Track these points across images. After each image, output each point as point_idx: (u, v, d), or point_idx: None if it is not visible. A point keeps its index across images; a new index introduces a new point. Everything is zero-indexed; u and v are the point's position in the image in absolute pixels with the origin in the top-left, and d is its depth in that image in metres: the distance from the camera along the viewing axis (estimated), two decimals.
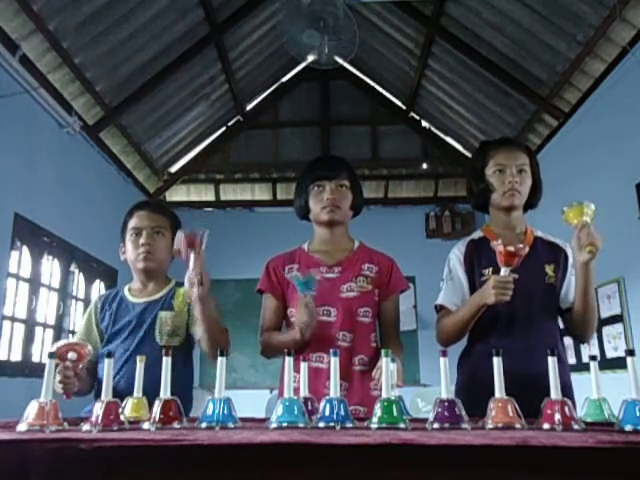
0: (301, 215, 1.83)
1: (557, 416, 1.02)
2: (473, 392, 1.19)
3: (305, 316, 1.53)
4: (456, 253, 1.75)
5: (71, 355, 1.19)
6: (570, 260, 1.72)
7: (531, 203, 1.77)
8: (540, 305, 1.66)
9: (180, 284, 1.83)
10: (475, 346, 1.69)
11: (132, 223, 1.79)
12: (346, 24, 3.42)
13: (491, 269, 1.65)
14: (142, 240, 1.74)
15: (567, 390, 1.60)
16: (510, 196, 1.68)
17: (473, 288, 1.70)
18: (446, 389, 1.05)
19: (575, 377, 1.71)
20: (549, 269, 1.68)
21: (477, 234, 1.80)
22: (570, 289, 1.69)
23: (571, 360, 4.18)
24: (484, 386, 1.12)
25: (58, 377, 1.39)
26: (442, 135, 6.62)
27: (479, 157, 1.78)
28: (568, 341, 1.86)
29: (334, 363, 1.10)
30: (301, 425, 1.03)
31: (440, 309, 1.75)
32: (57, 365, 1.27)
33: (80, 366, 1.28)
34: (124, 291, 1.83)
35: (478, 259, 1.71)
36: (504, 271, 1.48)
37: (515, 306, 1.60)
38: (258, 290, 1.80)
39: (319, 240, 1.81)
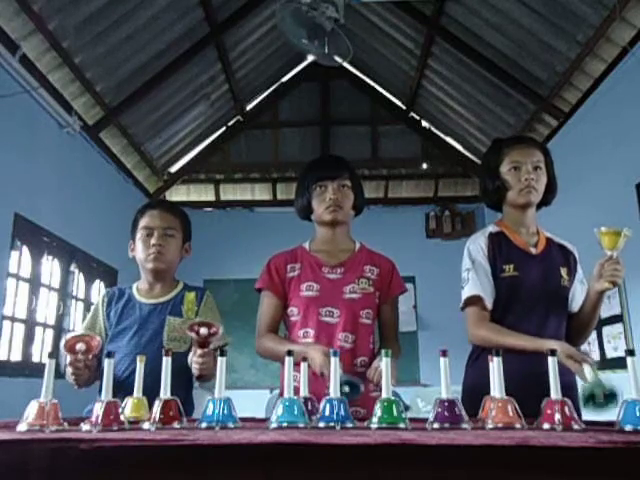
0: (303, 215, 1.83)
1: (557, 416, 1.02)
2: (481, 394, 1.19)
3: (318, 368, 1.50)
4: (479, 244, 1.70)
5: (79, 346, 1.20)
6: (578, 265, 1.73)
7: (546, 201, 1.76)
8: (555, 307, 1.65)
9: (188, 287, 1.83)
10: (485, 348, 1.67)
11: (143, 222, 1.78)
12: (337, 35, 3.42)
13: (512, 266, 1.64)
14: (153, 240, 1.74)
15: (572, 391, 1.59)
16: (527, 193, 1.67)
17: (493, 281, 1.67)
18: (446, 389, 1.05)
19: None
20: (564, 272, 1.68)
21: (493, 228, 1.76)
22: (575, 297, 1.69)
23: None
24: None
25: (70, 369, 1.43)
26: (442, 135, 6.62)
27: (493, 154, 1.76)
28: None
29: (334, 363, 1.10)
30: (301, 425, 1.03)
31: (468, 303, 1.65)
32: (67, 357, 1.30)
33: (90, 357, 1.29)
34: (132, 290, 1.82)
35: (500, 253, 1.68)
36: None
37: (531, 307, 1.60)
38: (257, 288, 1.79)
39: (321, 240, 1.81)
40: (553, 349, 1.08)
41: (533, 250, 1.70)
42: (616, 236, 1.43)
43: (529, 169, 1.67)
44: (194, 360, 1.49)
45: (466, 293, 1.65)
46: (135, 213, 1.83)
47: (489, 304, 1.63)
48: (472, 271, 1.65)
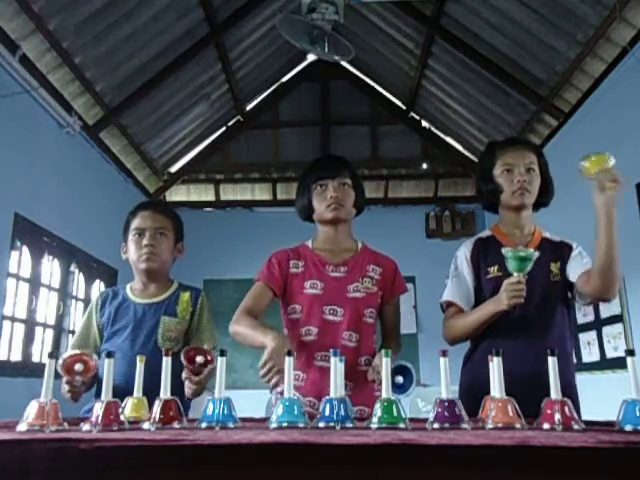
0: (304, 216, 1.83)
1: (557, 416, 1.02)
2: (477, 393, 1.19)
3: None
4: (463, 251, 1.75)
5: (78, 367, 1.19)
6: (575, 251, 1.71)
7: (543, 202, 1.77)
8: (544, 304, 1.65)
9: (183, 287, 1.84)
10: (479, 346, 1.68)
11: (135, 223, 1.78)
12: (337, 37, 3.46)
13: (496, 267, 1.65)
14: (145, 241, 1.74)
15: (570, 390, 1.59)
16: (520, 195, 1.68)
17: (479, 286, 1.70)
18: (446, 389, 1.05)
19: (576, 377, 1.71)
20: (554, 267, 1.68)
21: (485, 233, 1.80)
22: (572, 267, 1.67)
23: None
24: (487, 387, 1.12)
25: (66, 387, 1.41)
26: (442, 135, 6.62)
27: (487, 157, 1.78)
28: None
29: (334, 363, 1.10)
30: (301, 425, 1.03)
31: (446, 306, 1.75)
32: (65, 377, 1.28)
33: (88, 376, 1.29)
34: (126, 290, 1.83)
35: (484, 257, 1.71)
36: (516, 274, 1.48)
37: (520, 306, 1.60)
38: (256, 280, 1.78)
39: (323, 239, 1.81)
40: (552, 347, 1.08)
41: None
42: (599, 159, 1.53)
43: (522, 171, 1.68)
44: (188, 386, 1.51)
45: (443, 296, 1.75)
46: (127, 215, 1.83)
47: (464, 307, 1.70)
48: (453, 278, 1.74)
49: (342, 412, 1.06)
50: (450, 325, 1.72)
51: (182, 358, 1.34)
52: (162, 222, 1.79)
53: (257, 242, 5.55)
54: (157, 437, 0.87)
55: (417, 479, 0.76)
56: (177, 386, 1.48)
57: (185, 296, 1.79)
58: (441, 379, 1.05)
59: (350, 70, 6.65)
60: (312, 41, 3.46)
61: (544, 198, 1.76)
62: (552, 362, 1.06)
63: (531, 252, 1.47)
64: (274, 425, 1.04)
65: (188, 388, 1.51)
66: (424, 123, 6.63)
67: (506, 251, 1.48)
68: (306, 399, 1.57)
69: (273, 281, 1.74)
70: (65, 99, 4.41)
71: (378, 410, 1.04)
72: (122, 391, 1.22)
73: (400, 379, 1.30)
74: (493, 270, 1.66)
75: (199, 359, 1.34)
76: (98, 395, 1.65)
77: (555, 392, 1.05)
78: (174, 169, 6.64)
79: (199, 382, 1.48)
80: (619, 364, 3.73)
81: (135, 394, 1.22)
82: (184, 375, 1.47)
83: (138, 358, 1.23)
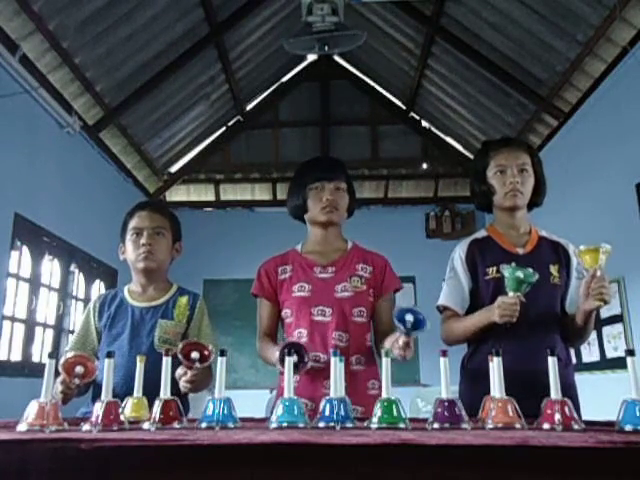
0: (295, 214, 1.83)
1: (557, 416, 1.02)
2: (477, 393, 1.19)
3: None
4: (459, 253, 1.75)
5: (78, 369, 1.17)
6: (573, 261, 1.72)
7: (536, 202, 1.76)
8: (545, 306, 1.65)
9: (181, 291, 1.83)
10: (479, 347, 1.68)
11: (133, 223, 1.78)
12: (342, 32, 3.47)
13: (495, 268, 1.65)
14: (143, 240, 1.74)
15: (570, 390, 1.59)
16: (512, 196, 1.68)
17: (477, 287, 1.69)
18: (446, 389, 1.05)
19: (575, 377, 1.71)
20: (554, 269, 1.68)
21: (481, 233, 1.80)
22: (571, 295, 1.68)
23: None
24: (488, 386, 1.12)
25: (59, 387, 1.37)
26: (442, 135, 6.62)
27: (480, 158, 1.78)
28: None
29: (334, 363, 1.10)
30: (301, 425, 1.03)
31: (443, 309, 1.75)
32: (59, 374, 1.22)
33: (85, 381, 1.27)
34: (124, 293, 1.81)
35: (482, 258, 1.70)
36: (512, 294, 1.48)
37: (521, 308, 1.60)
38: (252, 294, 1.81)
39: (313, 240, 1.81)
40: (552, 349, 1.08)
41: (520, 250, 1.70)
42: (595, 253, 1.45)
43: (514, 172, 1.68)
44: (183, 380, 1.44)
45: (440, 300, 1.76)
46: (124, 216, 1.83)
47: (459, 311, 1.72)
48: (449, 280, 1.75)
49: (342, 412, 1.06)
50: (447, 329, 1.73)
51: (179, 353, 1.29)
52: (160, 222, 1.79)
53: (257, 242, 5.55)
54: (157, 437, 0.87)
55: (417, 479, 0.76)
56: (175, 387, 1.48)
57: (183, 300, 1.79)
58: (441, 379, 1.05)
59: (350, 70, 6.65)
60: (321, 45, 3.49)
61: (537, 198, 1.76)
62: (552, 362, 1.06)
63: (530, 273, 1.46)
64: (274, 425, 1.04)
65: (185, 382, 1.45)
66: (424, 123, 6.63)
67: (505, 269, 1.48)
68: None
69: (269, 293, 1.76)
70: (65, 99, 4.41)
71: (378, 410, 1.04)
72: (121, 394, 1.22)
73: (410, 317, 1.27)
74: (492, 271, 1.66)
75: (194, 355, 1.30)
76: (94, 398, 1.64)
77: (555, 392, 1.05)
78: (174, 169, 6.64)
79: (194, 378, 1.43)
80: (619, 364, 3.73)
81: (135, 394, 1.22)
82: (180, 371, 1.44)
83: (138, 358, 1.23)
